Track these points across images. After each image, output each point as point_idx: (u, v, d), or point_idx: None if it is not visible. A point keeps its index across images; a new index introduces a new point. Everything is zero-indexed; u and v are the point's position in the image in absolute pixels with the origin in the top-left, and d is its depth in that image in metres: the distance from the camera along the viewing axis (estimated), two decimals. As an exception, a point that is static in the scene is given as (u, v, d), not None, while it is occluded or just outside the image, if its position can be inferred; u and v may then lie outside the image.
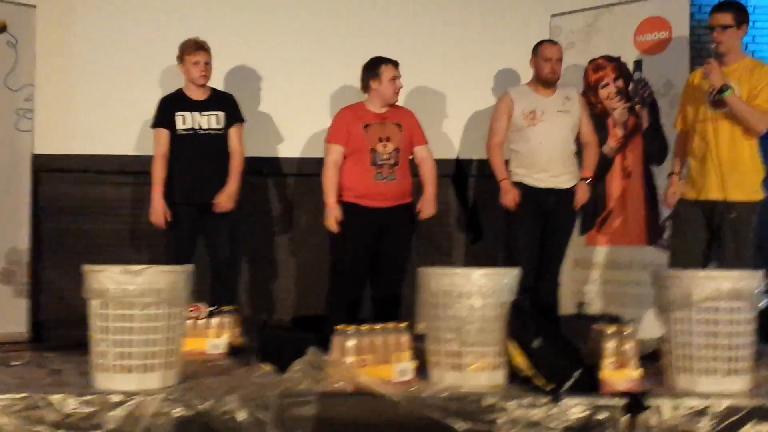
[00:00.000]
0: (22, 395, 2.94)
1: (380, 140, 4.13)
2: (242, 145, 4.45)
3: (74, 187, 4.87)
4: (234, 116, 4.44)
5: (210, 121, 4.37)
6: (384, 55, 4.22)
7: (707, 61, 3.72)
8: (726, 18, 3.72)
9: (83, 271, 3.15)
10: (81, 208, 4.87)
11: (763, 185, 3.79)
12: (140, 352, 3.06)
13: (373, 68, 4.19)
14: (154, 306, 3.07)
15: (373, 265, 4.23)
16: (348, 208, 4.16)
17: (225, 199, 4.35)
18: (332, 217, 4.13)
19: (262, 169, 4.89)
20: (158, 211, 4.33)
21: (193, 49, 4.35)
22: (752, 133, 3.72)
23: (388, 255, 4.20)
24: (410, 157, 4.30)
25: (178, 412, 2.92)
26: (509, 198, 4.22)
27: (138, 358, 3.06)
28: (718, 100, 3.69)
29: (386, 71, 4.16)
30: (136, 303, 3.05)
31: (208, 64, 4.37)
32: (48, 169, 4.83)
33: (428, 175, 4.27)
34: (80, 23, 4.90)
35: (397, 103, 4.30)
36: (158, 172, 4.35)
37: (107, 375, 3.08)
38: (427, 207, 4.23)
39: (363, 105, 4.25)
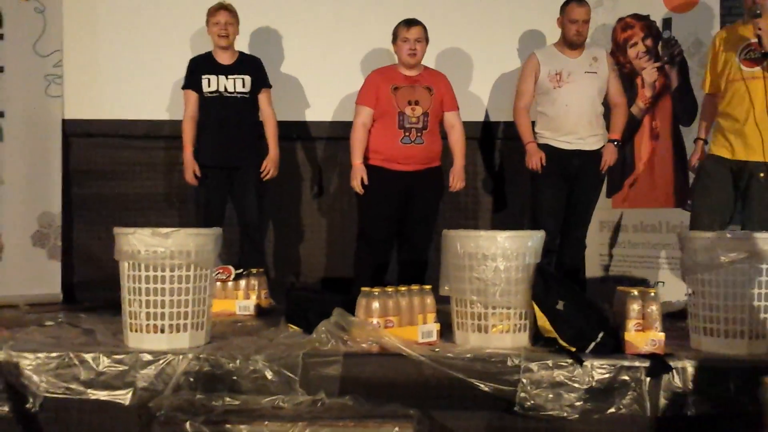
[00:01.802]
0: (56, 354, 3.02)
1: (409, 103, 4.11)
2: (273, 109, 4.47)
3: (104, 152, 4.92)
4: (261, 80, 4.45)
5: (237, 84, 4.38)
6: (410, 17, 4.18)
7: (755, 23, 3.56)
8: None
9: (114, 233, 3.20)
10: (111, 172, 4.92)
11: None
12: (170, 313, 3.12)
13: (394, 31, 4.17)
14: (183, 268, 3.12)
15: (401, 228, 4.23)
16: (375, 172, 4.15)
17: (272, 166, 4.41)
18: (358, 177, 4.13)
19: (290, 133, 4.90)
20: (189, 169, 4.37)
21: (215, 9, 4.37)
22: None
23: (415, 219, 4.20)
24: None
25: (207, 370, 2.98)
26: (534, 161, 4.20)
27: (168, 319, 3.12)
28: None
29: (399, 33, 4.14)
30: (166, 265, 3.10)
31: (230, 24, 4.37)
32: (78, 134, 4.88)
33: (457, 145, 4.24)
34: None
35: (429, 66, 4.27)
36: (188, 133, 4.38)
37: (138, 335, 3.14)
38: (456, 180, 4.21)
39: (395, 68, 4.23)
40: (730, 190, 3.75)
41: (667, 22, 4.53)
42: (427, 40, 4.17)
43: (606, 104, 4.36)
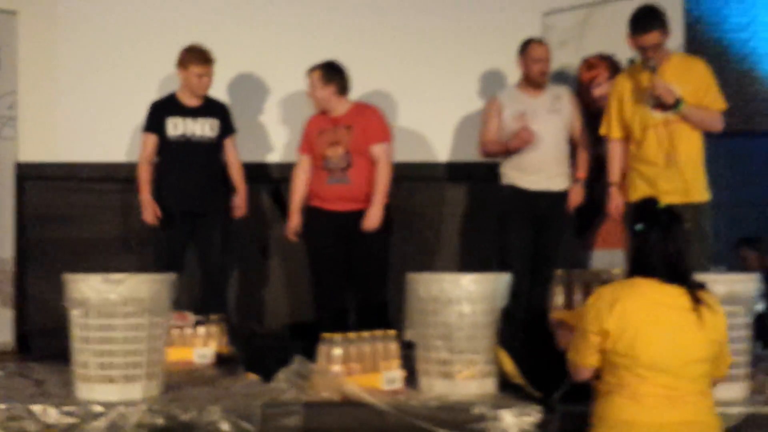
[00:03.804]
0: (5, 406, 2.95)
1: (330, 145, 4.15)
2: (237, 152, 4.46)
3: (59, 195, 4.83)
4: (228, 126, 4.42)
5: (204, 128, 4.32)
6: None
7: (652, 80, 3.64)
8: (654, 37, 3.67)
9: (63, 280, 3.11)
10: (66, 216, 4.82)
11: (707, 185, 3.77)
12: (122, 362, 3.04)
13: None
14: (136, 315, 3.05)
15: (351, 271, 4.20)
16: (314, 213, 4.21)
17: (242, 205, 4.41)
18: (289, 226, 4.24)
19: (251, 175, 4.82)
20: (149, 208, 4.27)
21: (201, 60, 4.26)
22: (710, 131, 3.72)
23: (361, 260, 4.17)
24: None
25: (161, 423, 2.89)
26: (527, 134, 4.08)
27: (120, 368, 3.04)
28: (673, 113, 3.64)
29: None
30: (117, 312, 3.03)
31: (210, 76, 4.31)
32: (32, 177, 4.80)
33: (376, 180, 4.13)
34: (63, 29, 4.86)
35: (360, 102, 4.28)
36: (144, 175, 4.32)
37: (89, 385, 3.05)
38: (366, 220, 4.10)
39: (324, 111, 4.24)
40: None
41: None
42: (327, 82, 4.13)
43: (572, 143, 4.35)
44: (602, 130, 3.98)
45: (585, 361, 2.44)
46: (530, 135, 4.10)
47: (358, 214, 4.10)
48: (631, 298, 2.34)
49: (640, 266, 2.41)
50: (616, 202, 3.91)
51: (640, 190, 3.76)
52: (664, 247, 2.37)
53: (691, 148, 3.70)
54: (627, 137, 3.86)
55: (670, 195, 3.61)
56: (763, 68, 4.85)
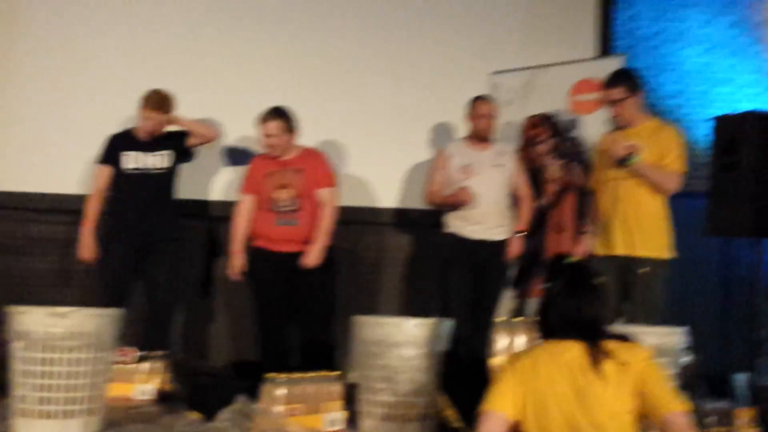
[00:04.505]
0: None
1: (279, 187, 4.20)
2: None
3: (5, 226, 4.76)
4: (182, 154, 4.41)
5: (156, 160, 4.34)
6: (282, 106, 4.24)
7: (607, 135, 3.87)
8: (619, 92, 3.88)
9: (7, 312, 3.07)
10: (11, 247, 4.75)
11: (671, 244, 3.89)
12: (62, 398, 2.99)
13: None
14: (79, 350, 3.01)
15: (296, 311, 4.23)
16: (257, 254, 4.22)
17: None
18: (231, 265, 4.21)
19: (201, 212, 4.85)
20: (88, 246, 4.25)
21: (148, 106, 4.27)
22: (662, 192, 3.85)
23: (306, 301, 4.21)
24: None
25: (98, 460, 2.85)
26: (465, 193, 4.20)
27: (59, 404, 3.00)
28: (626, 166, 3.81)
29: (259, 125, 4.24)
30: (60, 346, 2.98)
31: (154, 121, 4.31)
32: (-23, 207, 4.71)
33: (322, 221, 4.22)
34: (18, 60, 4.83)
35: (307, 146, 4.35)
36: (93, 208, 4.29)
37: (27, 420, 3.00)
38: (307, 256, 4.17)
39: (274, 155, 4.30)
40: (614, 288, 3.84)
41: (573, 122, 4.76)
42: (290, 130, 4.22)
43: (512, 197, 4.50)
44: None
45: (493, 403, 2.20)
46: (468, 196, 4.24)
47: (302, 255, 4.16)
48: (533, 366, 2.20)
49: (543, 326, 2.31)
50: (580, 249, 4.10)
51: (598, 241, 3.94)
52: (564, 302, 2.27)
53: (639, 204, 3.82)
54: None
55: (618, 247, 3.79)
56: (694, 134, 5.13)
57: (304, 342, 4.24)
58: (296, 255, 4.17)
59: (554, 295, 2.31)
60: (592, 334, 2.24)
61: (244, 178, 4.33)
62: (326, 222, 4.22)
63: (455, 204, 4.29)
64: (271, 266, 4.18)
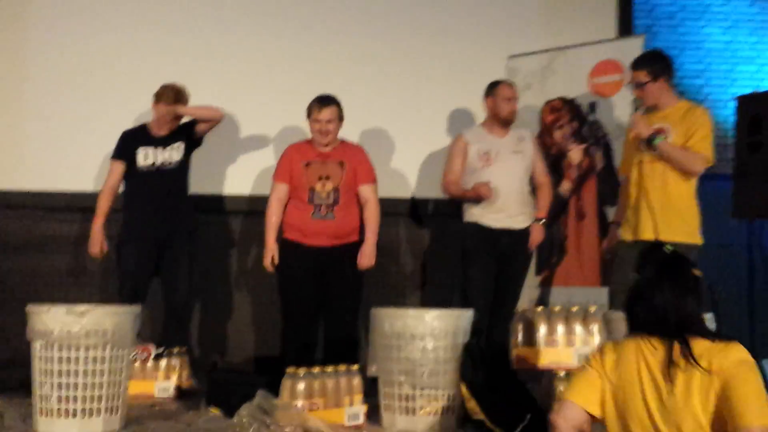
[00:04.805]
0: None
1: (319, 179, 4.12)
2: None
3: (21, 224, 4.76)
4: (193, 141, 4.38)
5: (171, 154, 4.31)
6: (332, 94, 4.18)
7: (633, 115, 3.81)
8: (640, 75, 3.81)
9: (27, 311, 3.08)
10: (28, 245, 4.75)
11: (699, 229, 3.81)
12: (83, 396, 3.00)
13: (308, 108, 4.19)
14: (98, 348, 3.01)
15: (324, 305, 4.18)
16: (289, 246, 4.14)
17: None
18: (268, 257, 4.11)
19: (218, 206, 4.83)
20: (96, 241, 4.23)
21: (161, 100, 4.26)
22: (688, 174, 3.76)
23: (335, 295, 4.15)
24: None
25: (120, 457, 2.86)
26: (485, 188, 4.15)
27: (80, 402, 3.00)
28: (651, 147, 3.74)
29: (311, 111, 4.16)
30: (80, 344, 3.00)
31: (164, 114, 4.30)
32: (-6, 205, 4.73)
33: (369, 221, 4.17)
34: (30, 57, 4.83)
35: (346, 140, 4.29)
36: (104, 203, 4.27)
37: (49, 419, 3.01)
38: (363, 257, 4.13)
39: (309, 143, 4.24)
40: None
41: (593, 106, 4.68)
42: (341, 119, 4.17)
43: (532, 183, 4.44)
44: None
45: (574, 394, 2.10)
46: (488, 191, 4.16)
47: (337, 250, 4.11)
48: (617, 364, 2.08)
49: (631, 319, 2.15)
50: (606, 240, 4.09)
51: (625, 226, 3.88)
52: (655, 295, 2.10)
53: (667, 188, 3.75)
54: None
55: (645, 232, 3.72)
56: (718, 114, 5.03)
57: (329, 337, 4.18)
58: (329, 249, 4.10)
59: (645, 286, 2.13)
60: (683, 333, 2.06)
61: (278, 165, 4.22)
62: (374, 219, 4.17)
63: (474, 198, 4.23)
64: (302, 260, 4.10)
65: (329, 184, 4.10)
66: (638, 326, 2.12)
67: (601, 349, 2.18)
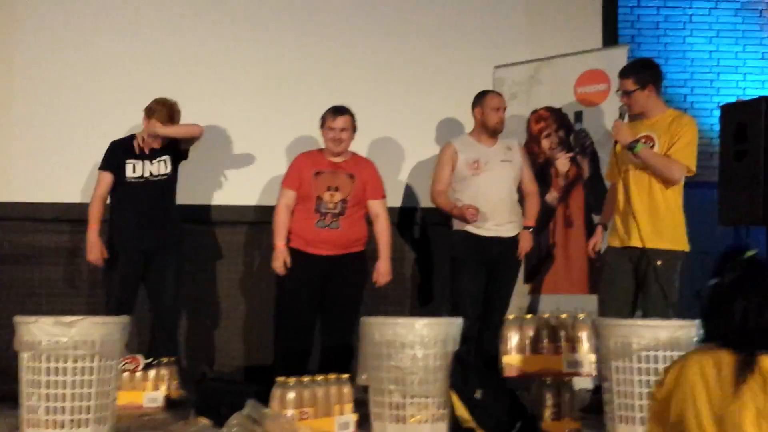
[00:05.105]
0: None
1: (328, 189, 4.13)
2: None
3: (11, 236, 4.74)
4: (179, 154, 4.37)
5: (159, 167, 4.30)
6: (336, 104, 4.21)
7: (615, 121, 3.84)
8: (628, 84, 3.83)
9: (15, 322, 3.06)
10: (15, 256, 4.73)
11: (686, 236, 3.83)
12: (71, 407, 2.98)
13: (322, 117, 4.21)
14: (86, 359, 3.00)
15: (322, 314, 4.18)
16: (293, 254, 4.12)
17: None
18: (280, 259, 4.09)
19: (205, 216, 4.82)
20: (95, 248, 4.22)
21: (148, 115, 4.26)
22: (669, 182, 3.78)
23: (335, 304, 4.15)
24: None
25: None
26: (472, 211, 4.17)
27: (69, 413, 2.99)
28: (633, 154, 3.77)
29: (326, 120, 4.18)
30: (68, 355, 2.98)
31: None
32: (-19, 218, 4.70)
33: (381, 237, 4.21)
34: (19, 68, 4.82)
35: (357, 153, 4.30)
36: (95, 212, 4.25)
37: (36, 430, 2.98)
38: (379, 276, 4.19)
39: (321, 152, 4.25)
40: (629, 281, 3.81)
41: (579, 115, 4.71)
42: (354, 129, 4.20)
43: (520, 192, 4.46)
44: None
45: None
46: (474, 215, 4.18)
47: (340, 259, 4.12)
48: (678, 376, 1.89)
49: (704, 328, 1.97)
50: (592, 240, 4.10)
51: (612, 233, 3.91)
52: (730, 304, 1.91)
53: (653, 195, 3.77)
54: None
55: (633, 239, 3.74)
56: (701, 123, 5.09)
57: (327, 345, 4.17)
58: (331, 258, 4.11)
59: (720, 294, 1.95)
60: (754, 346, 1.86)
61: (288, 172, 4.22)
62: (386, 235, 4.22)
63: (459, 217, 4.25)
64: (305, 268, 4.10)
65: (338, 195, 4.12)
66: (711, 336, 1.95)
67: (672, 364, 1.98)
